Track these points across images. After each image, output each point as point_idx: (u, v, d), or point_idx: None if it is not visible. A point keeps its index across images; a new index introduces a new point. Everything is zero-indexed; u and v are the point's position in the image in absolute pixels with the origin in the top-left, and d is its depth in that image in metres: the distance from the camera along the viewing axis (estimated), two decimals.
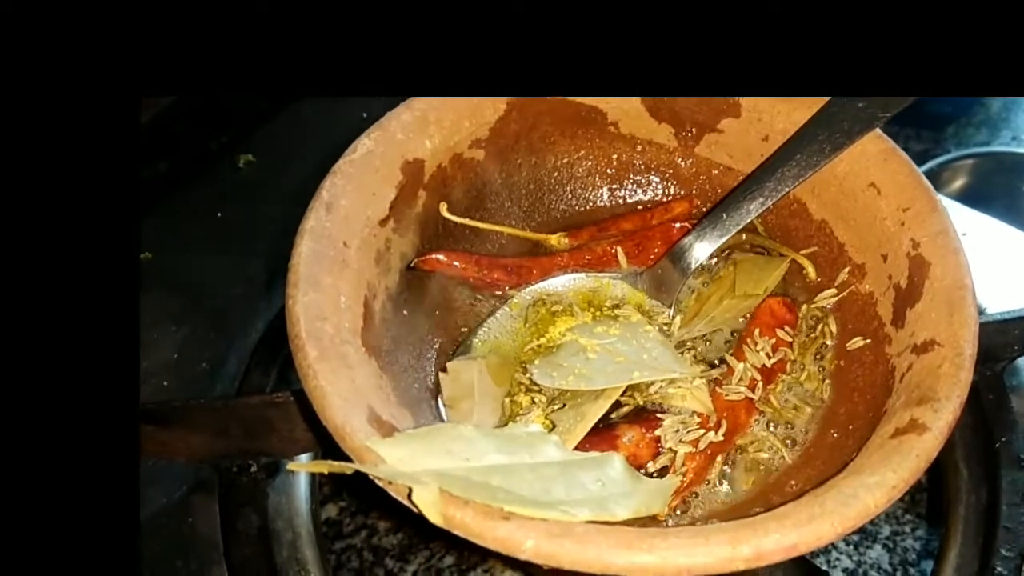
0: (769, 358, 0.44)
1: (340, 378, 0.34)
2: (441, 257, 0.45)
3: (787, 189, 0.43)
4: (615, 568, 0.30)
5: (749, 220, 0.44)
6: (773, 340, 0.45)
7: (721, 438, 0.42)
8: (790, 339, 0.45)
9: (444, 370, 0.43)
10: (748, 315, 0.47)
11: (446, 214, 0.45)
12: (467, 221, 0.46)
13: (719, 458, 0.42)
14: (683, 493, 0.41)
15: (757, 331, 0.45)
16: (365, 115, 0.66)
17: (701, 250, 0.45)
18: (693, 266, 0.46)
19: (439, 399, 0.43)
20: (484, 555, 0.49)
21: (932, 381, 0.36)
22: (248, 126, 0.68)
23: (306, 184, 0.41)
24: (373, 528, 0.50)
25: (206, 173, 0.66)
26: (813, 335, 0.46)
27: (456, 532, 0.31)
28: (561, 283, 0.48)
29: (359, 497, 0.51)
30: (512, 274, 0.47)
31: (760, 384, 0.44)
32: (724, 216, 0.45)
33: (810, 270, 0.47)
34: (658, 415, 0.42)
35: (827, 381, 0.45)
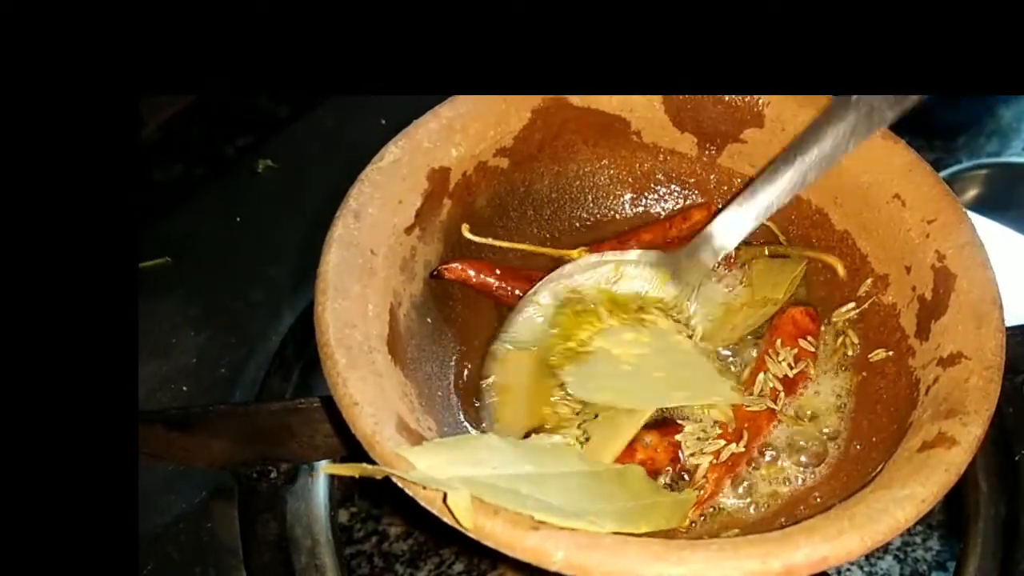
0: (791, 368, 0.44)
1: (369, 386, 0.34)
2: (462, 267, 0.44)
3: (816, 174, 0.42)
4: None
5: (777, 206, 0.42)
6: (795, 350, 0.45)
7: (742, 449, 0.42)
8: (813, 349, 0.45)
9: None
10: (769, 322, 0.46)
11: (468, 234, 0.45)
12: (488, 240, 0.46)
13: (739, 469, 0.42)
14: (703, 505, 0.41)
15: (779, 341, 0.45)
16: (383, 121, 0.66)
17: (727, 237, 0.44)
18: (720, 254, 0.44)
19: (484, 385, 0.43)
20: (494, 562, 0.49)
21: (960, 394, 0.36)
22: (267, 131, 0.69)
23: (325, 190, 0.41)
24: (384, 534, 0.50)
25: (225, 178, 0.66)
26: (835, 346, 0.46)
27: (486, 542, 0.31)
28: (581, 270, 0.47)
29: (371, 503, 0.51)
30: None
31: (782, 394, 0.44)
32: (749, 201, 0.43)
33: (840, 269, 0.47)
34: (678, 421, 0.42)
35: (850, 393, 0.45)
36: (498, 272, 0.46)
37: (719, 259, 0.45)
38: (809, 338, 0.45)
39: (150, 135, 0.67)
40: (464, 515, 0.30)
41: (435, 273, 0.44)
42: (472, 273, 0.45)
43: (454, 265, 0.44)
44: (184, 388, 0.54)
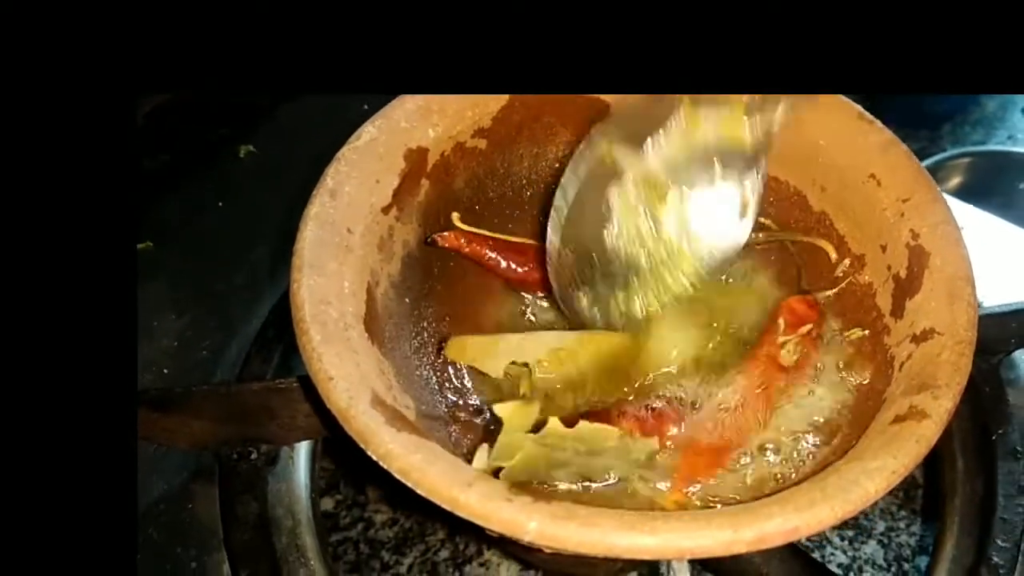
0: (791, 355, 0.44)
1: (344, 362, 0.34)
2: (455, 236, 0.45)
3: None
4: (617, 550, 0.30)
5: None
6: (798, 339, 0.44)
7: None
8: (814, 336, 0.45)
9: None
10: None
11: (459, 223, 0.45)
12: (475, 230, 0.46)
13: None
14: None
15: (781, 327, 0.45)
16: (367, 107, 0.66)
17: None
18: None
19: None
20: (479, 548, 0.50)
21: (932, 369, 0.36)
22: (249, 117, 0.69)
23: (307, 175, 0.41)
24: (370, 521, 0.51)
25: (207, 164, 0.66)
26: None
27: (461, 514, 0.31)
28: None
29: (355, 490, 0.52)
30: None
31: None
32: None
33: (831, 252, 0.47)
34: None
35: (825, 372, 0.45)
36: (491, 243, 0.46)
37: None
38: (810, 325, 0.45)
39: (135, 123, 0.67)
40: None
41: (429, 240, 0.44)
42: (465, 242, 0.45)
43: (447, 234, 0.44)
44: (166, 370, 0.54)
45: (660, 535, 0.30)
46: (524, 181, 0.49)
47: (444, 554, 0.49)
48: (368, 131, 0.42)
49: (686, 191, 0.42)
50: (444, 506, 0.31)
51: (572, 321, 0.46)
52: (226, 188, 0.65)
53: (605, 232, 0.42)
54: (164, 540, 0.47)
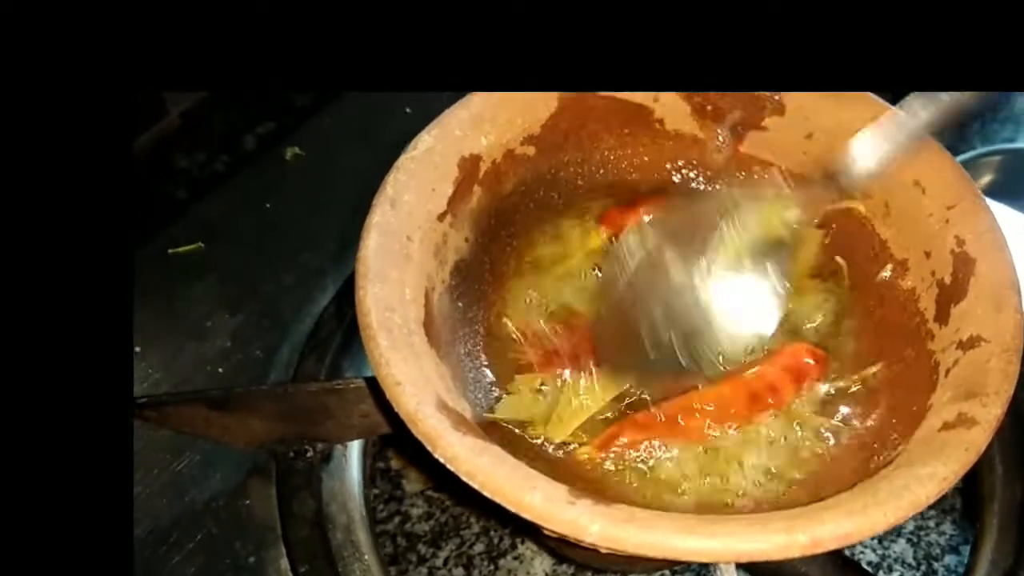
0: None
1: (410, 367, 0.35)
2: None
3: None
4: (677, 552, 0.31)
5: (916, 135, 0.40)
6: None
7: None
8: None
9: None
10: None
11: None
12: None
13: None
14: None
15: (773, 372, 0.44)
16: (408, 109, 0.67)
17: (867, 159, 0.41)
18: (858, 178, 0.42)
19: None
20: (514, 542, 0.51)
21: (980, 376, 0.37)
22: (289, 120, 0.69)
23: (353, 176, 0.42)
24: (406, 515, 0.51)
25: (254, 165, 0.67)
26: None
27: (524, 515, 0.32)
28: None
29: (392, 485, 0.52)
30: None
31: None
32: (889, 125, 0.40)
33: (860, 207, 0.47)
34: None
35: (867, 378, 0.45)
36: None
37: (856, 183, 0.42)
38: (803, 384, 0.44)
39: (171, 123, 0.68)
40: None
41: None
42: None
43: None
44: (220, 370, 0.55)
45: (719, 538, 0.31)
46: (571, 187, 0.50)
47: (479, 548, 0.50)
48: (424, 140, 0.43)
49: (725, 287, 0.44)
50: (509, 508, 0.32)
51: None
52: (274, 189, 0.65)
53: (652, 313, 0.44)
54: (222, 535, 0.48)
